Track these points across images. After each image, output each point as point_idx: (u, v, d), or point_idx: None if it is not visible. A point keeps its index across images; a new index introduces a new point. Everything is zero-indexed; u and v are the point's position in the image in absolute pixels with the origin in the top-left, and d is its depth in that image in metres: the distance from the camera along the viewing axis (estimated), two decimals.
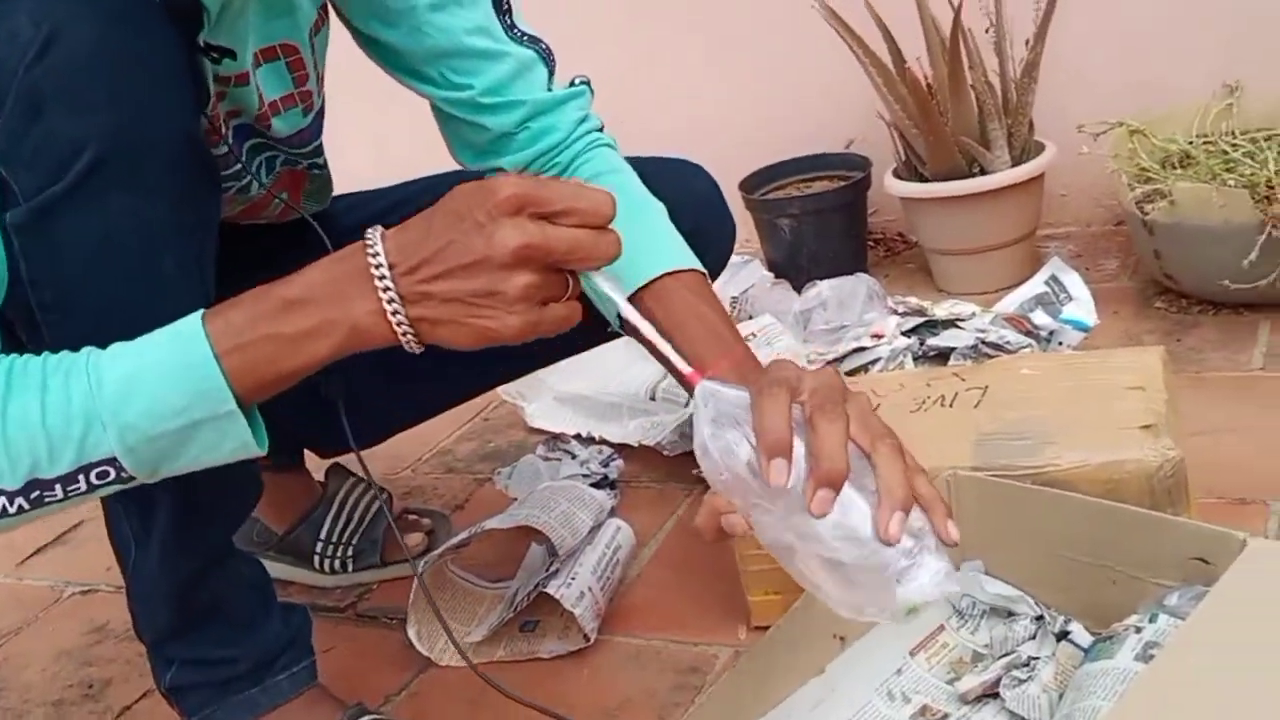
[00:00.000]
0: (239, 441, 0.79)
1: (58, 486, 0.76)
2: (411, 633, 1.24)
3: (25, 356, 0.78)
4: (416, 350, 0.79)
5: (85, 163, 0.80)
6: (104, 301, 0.84)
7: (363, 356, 0.81)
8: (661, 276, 1.01)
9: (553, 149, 1.11)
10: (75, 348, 0.78)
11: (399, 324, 0.77)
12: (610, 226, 0.78)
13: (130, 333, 0.79)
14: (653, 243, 1.04)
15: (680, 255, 1.04)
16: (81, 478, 0.76)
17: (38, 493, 0.75)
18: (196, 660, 1.04)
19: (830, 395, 0.79)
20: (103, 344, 0.78)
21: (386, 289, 0.77)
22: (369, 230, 0.79)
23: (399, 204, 1.33)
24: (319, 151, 1.23)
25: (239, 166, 1.08)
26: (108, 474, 0.77)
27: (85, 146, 0.80)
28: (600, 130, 1.15)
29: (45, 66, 0.78)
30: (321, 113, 1.18)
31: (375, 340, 0.79)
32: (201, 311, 0.79)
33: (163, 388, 0.76)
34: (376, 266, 0.77)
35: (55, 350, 0.79)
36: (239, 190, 1.11)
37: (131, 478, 0.78)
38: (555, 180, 0.82)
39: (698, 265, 1.04)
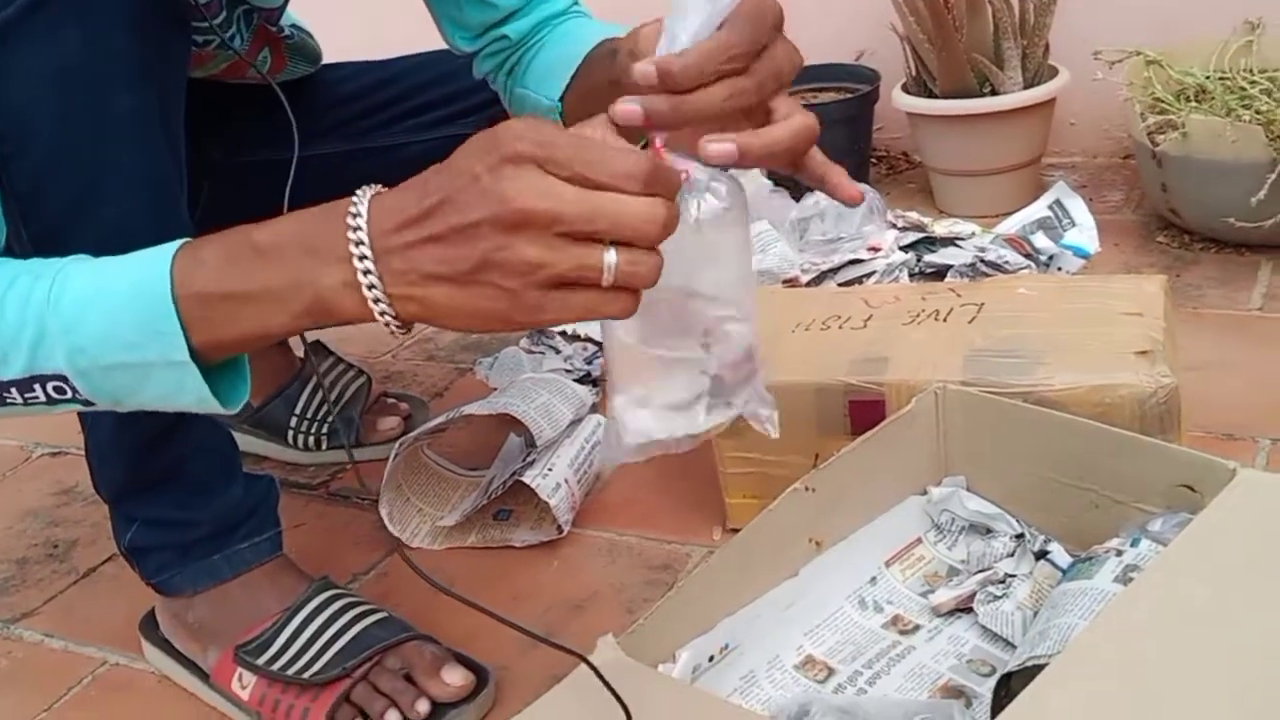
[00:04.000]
0: (196, 395, 0.71)
1: (14, 390, 0.71)
2: (384, 513, 1.22)
3: (11, 259, 0.74)
4: (398, 334, 0.67)
5: None
6: (56, 133, 0.81)
7: None
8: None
9: (551, 18, 1.07)
10: (34, 185, 0.75)
11: (375, 300, 0.65)
12: (654, 198, 0.62)
13: (84, 172, 0.76)
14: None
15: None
16: (38, 388, 0.71)
17: None
18: (156, 521, 1.02)
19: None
20: (58, 183, 0.75)
21: (363, 257, 0.64)
22: (360, 189, 0.66)
23: (392, 78, 1.30)
24: (283, 26, 1.20)
25: (223, 17, 1.04)
26: (64, 390, 0.71)
27: None
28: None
29: None
30: None
31: (345, 315, 0.67)
32: (179, 242, 0.71)
33: (117, 317, 0.69)
34: (354, 229, 0.64)
35: (19, 190, 0.76)
36: (220, 45, 1.07)
37: (91, 402, 0.72)
38: (582, 137, 0.65)
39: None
